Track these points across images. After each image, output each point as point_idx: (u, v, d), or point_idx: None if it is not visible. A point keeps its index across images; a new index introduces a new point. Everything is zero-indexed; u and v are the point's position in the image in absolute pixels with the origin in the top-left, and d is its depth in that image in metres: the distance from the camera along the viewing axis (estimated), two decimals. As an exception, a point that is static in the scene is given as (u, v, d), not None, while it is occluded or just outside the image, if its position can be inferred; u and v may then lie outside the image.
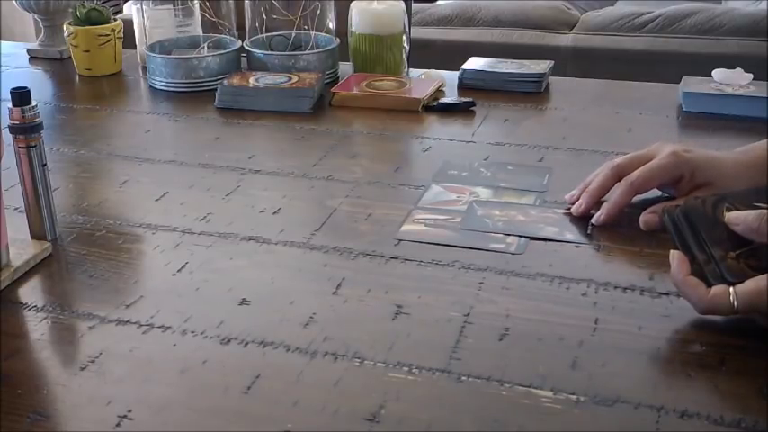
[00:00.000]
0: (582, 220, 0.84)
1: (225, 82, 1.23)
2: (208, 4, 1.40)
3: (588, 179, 0.87)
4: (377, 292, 0.73)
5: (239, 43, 1.36)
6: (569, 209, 0.85)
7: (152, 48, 1.35)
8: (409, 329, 0.68)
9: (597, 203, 0.84)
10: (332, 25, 1.38)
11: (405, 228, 0.84)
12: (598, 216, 0.83)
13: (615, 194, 0.83)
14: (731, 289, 0.64)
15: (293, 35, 1.36)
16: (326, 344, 0.66)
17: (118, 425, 0.57)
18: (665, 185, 0.84)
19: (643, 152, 0.86)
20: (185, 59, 1.30)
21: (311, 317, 0.69)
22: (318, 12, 1.35)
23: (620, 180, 0.84)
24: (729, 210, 0.69)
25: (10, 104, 0.79)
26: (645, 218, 0.79)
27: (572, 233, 0.82)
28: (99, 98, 1.33)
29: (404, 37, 1.32)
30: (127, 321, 0.69)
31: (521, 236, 0.81)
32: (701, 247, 0.68)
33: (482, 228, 0.83)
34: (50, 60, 1.50)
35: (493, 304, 0.71)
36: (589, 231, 0.82)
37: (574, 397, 0.59)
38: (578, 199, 0.86)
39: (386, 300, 0.72)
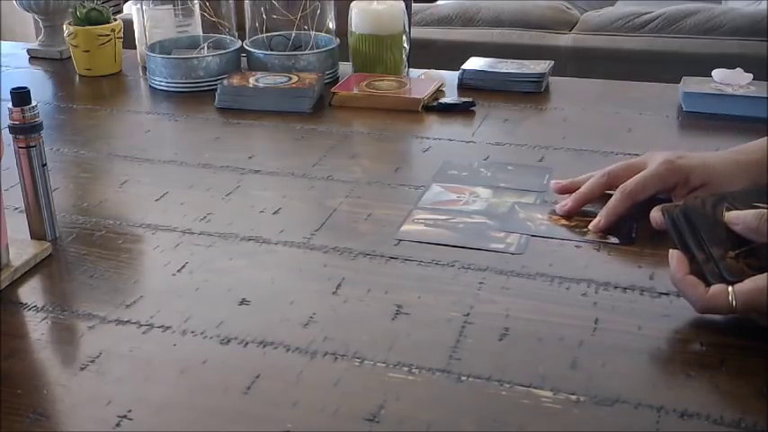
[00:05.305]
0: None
1: (225, 82, 1.23)
2: (208, 4, 1.40)
3: (579, 178, 0.88)
4: (377, 292, 0.73)
5: (239, 43, 1.36)
6: (555, 210, 0.86)
7: (152, 48, 1.35)
8: (409, 329, 0.68)
9: (582, 206, 0.85)
10: (332, 25, 1.38)
11: (405, 228, 0.84)
12: (597, 222, 0.82)
13: (611, 202, 0.83)
14: (730, 288, 0.64)
15: (293, 35, 1.36)
16: (326, 344, 0.66)
17: (118, 425, 0.57)
18: (659, 193, 0.84)
19: (635, 161, 0.86)
20: (185, 59, 1.30)
21: (311, 317, 0.69)
22: (318, 12, 1.35)
23: (610, 188, 0.85)
24: (729, 209, 0.69)
25: (10, 104, 0.79)
26: (654, 215, 0.79)
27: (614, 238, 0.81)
28: (99, 98, 1.33)
29: (404, 37, 1.32)
30: (127, 321, 0.69)
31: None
32: (701, 246, 0.68)
33: (525, 231, 0.82)
34: (50, 60, 1.50)
35: (493, 304, 0.71)
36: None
37: (574, 397, 0.59)
38: (565, 191, 0.88)
39: (386, 300, 0.72)
